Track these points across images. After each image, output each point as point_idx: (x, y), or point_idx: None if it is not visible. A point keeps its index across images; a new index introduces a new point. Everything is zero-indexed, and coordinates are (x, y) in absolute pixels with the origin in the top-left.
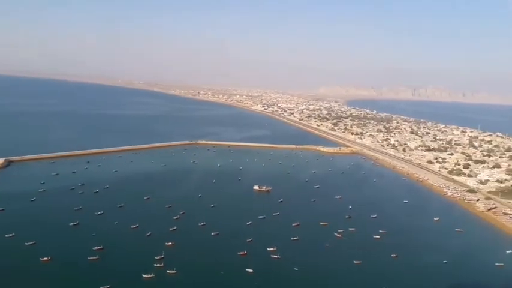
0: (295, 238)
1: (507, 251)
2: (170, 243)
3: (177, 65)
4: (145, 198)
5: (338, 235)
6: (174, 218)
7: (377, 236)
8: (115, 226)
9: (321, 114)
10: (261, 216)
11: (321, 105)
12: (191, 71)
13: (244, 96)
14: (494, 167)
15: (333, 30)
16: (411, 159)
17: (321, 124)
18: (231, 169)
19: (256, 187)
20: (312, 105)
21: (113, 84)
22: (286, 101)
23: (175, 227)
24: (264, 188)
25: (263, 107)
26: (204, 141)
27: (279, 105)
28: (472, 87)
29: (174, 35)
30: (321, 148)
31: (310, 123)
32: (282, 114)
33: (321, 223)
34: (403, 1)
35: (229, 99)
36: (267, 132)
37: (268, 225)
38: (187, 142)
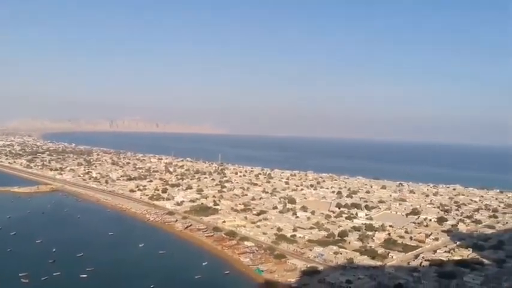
0: None
1: (203, 263)
2: None
3: None
4: None
5: (25, 280)
6: None
7: (84, 275)
8: None
9: (13, 151)
10: None
11: (13, 140)
12: None
13: None
14: (187, 188)
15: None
16: (114, 190)
17: (14, 162)
18: None
19: None
20: (2, 140)
21: None
22: None
23: None
24: None
25: None
26: None
27: None
28: (164, 119)
29: None
30: (16, 189)
31: (1, 162)
32: None
33: (21, 274)
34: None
35: None
36: None
37: None
38: None
